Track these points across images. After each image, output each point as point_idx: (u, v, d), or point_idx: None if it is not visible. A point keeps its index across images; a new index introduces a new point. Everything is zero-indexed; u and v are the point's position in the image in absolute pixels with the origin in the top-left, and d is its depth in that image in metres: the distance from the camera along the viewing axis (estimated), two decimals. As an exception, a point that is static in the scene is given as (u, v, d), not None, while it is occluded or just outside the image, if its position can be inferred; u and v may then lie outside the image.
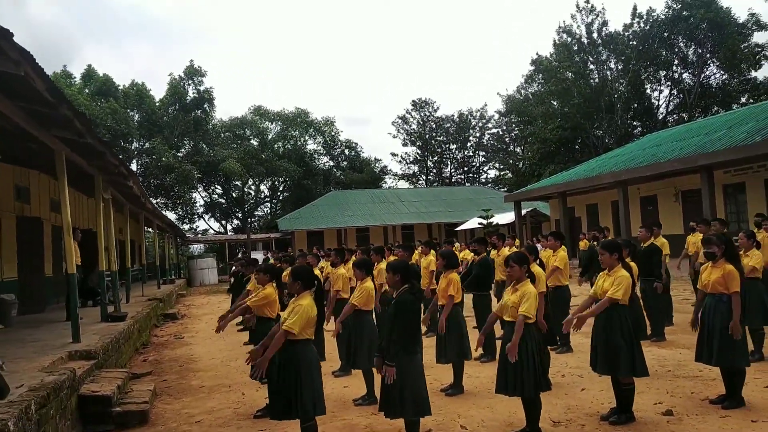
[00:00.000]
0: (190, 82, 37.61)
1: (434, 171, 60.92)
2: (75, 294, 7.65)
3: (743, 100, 39.41)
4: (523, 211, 28.73)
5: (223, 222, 48.67)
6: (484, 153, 60.89)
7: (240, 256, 21.68)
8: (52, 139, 7.26)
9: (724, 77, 40.88)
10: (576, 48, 42.70)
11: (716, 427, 4.57)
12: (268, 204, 51.16)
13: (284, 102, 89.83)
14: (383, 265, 8.75)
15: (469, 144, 60.07)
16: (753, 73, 40.12)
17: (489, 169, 61.22)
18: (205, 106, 38.68)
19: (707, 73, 41.53)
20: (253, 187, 48.85)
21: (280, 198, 50.15)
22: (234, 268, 15.69)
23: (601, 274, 5.27)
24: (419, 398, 4.37)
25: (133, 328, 10.00)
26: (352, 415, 5.58)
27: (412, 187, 55.86)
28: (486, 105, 66.62)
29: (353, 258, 9.90)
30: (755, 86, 39.69)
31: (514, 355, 4.54)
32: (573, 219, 26.89)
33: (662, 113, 44.30)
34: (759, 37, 38.86)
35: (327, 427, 5.07)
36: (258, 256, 20.52)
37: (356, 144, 52.77)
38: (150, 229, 23.71)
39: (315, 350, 4.46)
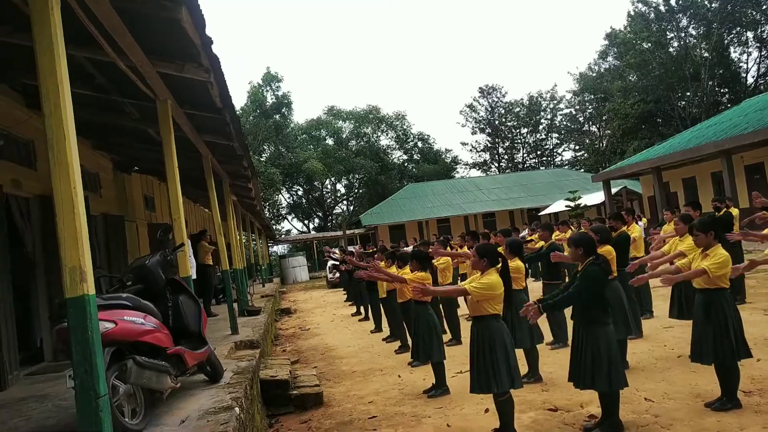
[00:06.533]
0: (268, 88, 38.87)
1: (506, 157, 59.87)
2: (230, 291, 8.16)
3: None
4: (614, 190, 27.79)
5: (306, 222, 50.06)
6: (557, 135, 59.23)
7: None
8: (201, 144, 7.68)
9: (824, 32, 37.83)
10: (653, 17, 40.70)
11: None
12: (345, 202, 52.19)
13: (356, 100, 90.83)
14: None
15: (541, 127, 58.59)
16: None
17: (563, 150, 59.59)
18: (284, 110, 39.87)
19: (803, 29, 38.58)
20: (329, 186, 49.99)
21: (357, 195, 50.99)
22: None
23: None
24: (613, 369, 4.36)
25: (269, 321, 10.56)
26: (522, 392, 5.65)
27: (484, 175, 55.19)
28: (556, 85, 64.76)
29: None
30: None
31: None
32: (668, 194, 25.74)
33: (752, 77, 41.57)
34: None
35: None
36: (353, 249, 21.02)
37: (428, 136, 52.83)
38: (244, 231, 24.73)
39: (505, 325, 4.58)
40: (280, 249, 48.18)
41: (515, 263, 5.97)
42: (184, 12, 3.31)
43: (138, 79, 4.78)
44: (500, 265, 4.61)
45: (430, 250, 8.26)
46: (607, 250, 6.06)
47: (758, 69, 41.45)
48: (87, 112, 6.91)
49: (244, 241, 24.98)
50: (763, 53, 40.75)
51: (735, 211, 10.56)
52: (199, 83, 4.99)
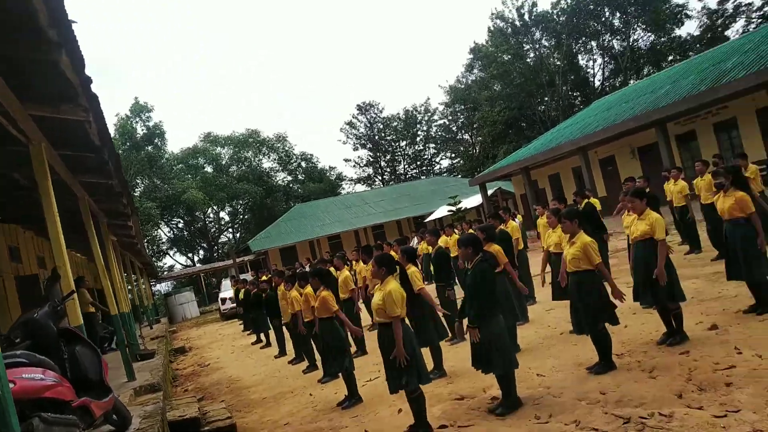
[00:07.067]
0: (137, 119, 36.92)
1: (388, 170, 61.70)
2: (122, 337, 7.76)
3: (670, 58, 41.76)
4: (489, 192, 29.66)
5: (190, 255, 47.86)
6: (434, 145, 62.12)
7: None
8: (77, 186, 7.26)
9: (651, 38, 43.17)
10: (510, 31, 44.27)
11: (761, 330, 5.25)
12: (230, 229, 50.71)
13: (234, 125, 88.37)
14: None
15: (418, 138, 61.14)
16: (677, 32, 42.55)
17: (441, 159, 62.57)
18: (156, 141, 38.05)
19: (635, 37, 43.83)
20: (212, 215, 48.35)
21: (242, 221, 49.77)
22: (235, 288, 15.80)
23: (629, 219, 5.93)
24: (505, 354, 4.82)
25: (165, 362, 10.09)
26: (430, 387, 5.98)
27: (370, 188, 56.39)
28: (429, 99, 67.94)
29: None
30: (680, 44, 42.10)
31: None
32: (537, 191, 28.01)
33: (599, 80, 46.47)
34: (678, -2, 41.28)
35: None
36: (246, 277, 20.53)
37: (311, 155, 53.02)
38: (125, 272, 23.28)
39: (409, 326, 4.88)
40: (163, 287, 45.53)
41: (411, 269, 6.33)
42: (63, 54, 3.25)
43: (8, 124, 4.51)
44: (398, 272, 4.93)
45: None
46: (496, 248, 6.65)
47: (603, 73, 46.49)
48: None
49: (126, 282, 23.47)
50: (606, 59, 45.81)
51: (595, 201, 11.82)
52: (76, 123, 4.81)
